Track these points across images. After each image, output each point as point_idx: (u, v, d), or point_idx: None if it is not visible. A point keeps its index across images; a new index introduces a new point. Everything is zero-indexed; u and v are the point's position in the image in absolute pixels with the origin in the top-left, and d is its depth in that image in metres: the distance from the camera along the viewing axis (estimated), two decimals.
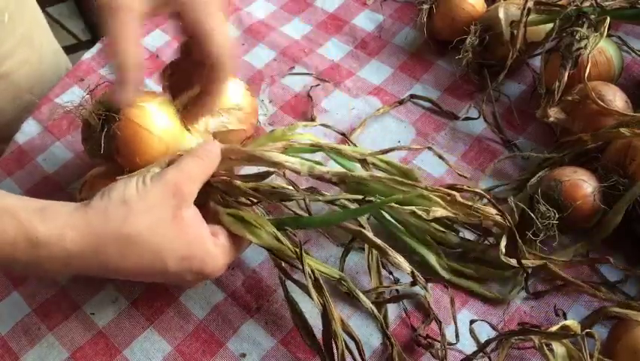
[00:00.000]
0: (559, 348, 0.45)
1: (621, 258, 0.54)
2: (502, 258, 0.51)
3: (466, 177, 0.57)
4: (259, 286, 0.56)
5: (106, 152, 0.50)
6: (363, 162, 0.54)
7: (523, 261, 0.51)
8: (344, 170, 0.52)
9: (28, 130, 0.70)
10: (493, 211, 0.50)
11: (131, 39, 0.46)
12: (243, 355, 0.52)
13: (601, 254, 0.54)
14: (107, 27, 0.46)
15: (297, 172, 0.50)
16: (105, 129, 0.49)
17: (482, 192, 0.51)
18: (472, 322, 0.50)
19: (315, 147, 0.53)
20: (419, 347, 0.51)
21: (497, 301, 0.53)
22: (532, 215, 0.52)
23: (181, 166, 0.49)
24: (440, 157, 0.55)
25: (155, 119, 0.50)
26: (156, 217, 0.46)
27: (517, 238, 0.50)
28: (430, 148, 0.55)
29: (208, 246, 0.48)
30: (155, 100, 0.51)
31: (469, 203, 0.50)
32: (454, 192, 0.50)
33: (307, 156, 0.55)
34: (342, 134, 0.61)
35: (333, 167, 0.53)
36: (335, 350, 0.48)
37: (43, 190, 0.64)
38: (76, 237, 0.44)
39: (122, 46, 0.46)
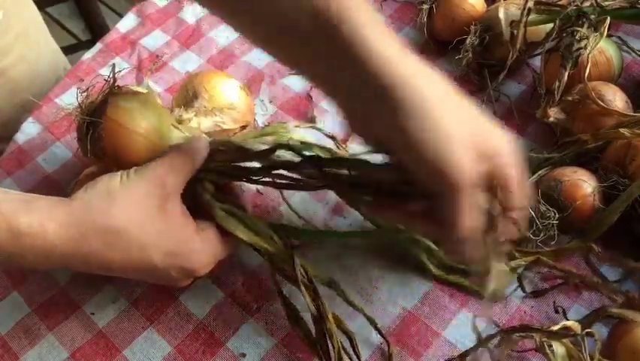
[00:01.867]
0: (559, 348, 0.45)
1: (622, 258, 0.54)
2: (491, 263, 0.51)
3: None
4: (259, 286, 0.56)
5: (93, 153, 0.50)
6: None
7: (513, 262, 0.52)
8: (332, 169, 0.52)
9: (28, 130, 0.70)
10: None
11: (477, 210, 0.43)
12: (243, 355, 0.52)
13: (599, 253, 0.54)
14: (461, 204, 0.41)
15: (286, 168, 0.50)
16: (91, 132, 0.49)
17: None
18: (474, 316, 0.50)
19: (306, 146, 0.53)
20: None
21: (467, 290, 0.53)
22: (534, 215, 0.52)
23: (165, 159, 0.49)
24: None
25: (139, 118, 0.50)
26: (140, 210, 0.46)
27: (514, 243, 0.50)
28: None
29: (194, 241, 0.48)
30: (138, 98, 0.51)
31: None
32: None
33: None
34: (333, 137, 0.60)
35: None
36: (332, 350, 0.48)
37: (43, 190, 0.64)
38: (58, 228, 0.44)
39: (473, 220, 0.42)
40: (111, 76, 0.51)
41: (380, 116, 0.41)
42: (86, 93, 0.51)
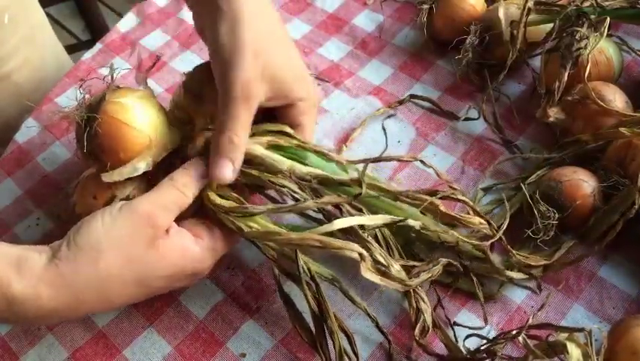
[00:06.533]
0: (574, 349, 0.43)
1: (622, 258, 0.54)
2: (506, 272, 0.51)
3: (455, 189, 0.54)
4: (259, 286, 0.56)
5: (91, 151, 0.50)
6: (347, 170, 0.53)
7: (515, 274, 0.52)
8: (325, 173, 0.51)
9: (28, 130, 0.70)
10: (477, 220, 0.50)
11: (248, 127, 0.49)
12: (243, 355, 0.52)
13: (600, 254, 0.54)
14: (234, 112, 0.48)
15: (278, 169, 0.50)
16: (88, 129, 0.49)
17: (465, 198, 0.50)
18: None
19: (300, 148, 0.53)
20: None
21: (486, 297, 0.52)
22: (534, 215, 0.52)
23: (156, 195, 0.47)
24: (429, 166, 0.54)
25: (134, 113, 0.50)
26: (130, 251, 0.45)
27: (508, 247, 0.50)
28: (419, 160, 0.53)
29: (194, 253, 0.47)
30: (134, 94, 0.51)
31: (452, 213, 0.49)
32: (435, 200, 0.49)
33: None
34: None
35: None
36: (333, 347, 0.48)
37: (43, 190, 0.64)
38: (51, 293, 0.43)
39: (240, 130, 0.48)
40: (109, 74, 0.51)
41: (206, 16, 0.50)
42: (83, 92, 0.51)
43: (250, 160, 0.51)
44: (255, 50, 0.48)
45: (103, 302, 0.46)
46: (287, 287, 0.52)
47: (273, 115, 0.54)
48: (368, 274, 0.46)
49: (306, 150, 0.52)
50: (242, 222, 0.49)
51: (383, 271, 0.46)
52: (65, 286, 0.43)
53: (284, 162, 0.50)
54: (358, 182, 0.49)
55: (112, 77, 0.51)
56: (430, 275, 0.48)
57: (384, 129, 0.65)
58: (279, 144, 0.52)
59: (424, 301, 0.49)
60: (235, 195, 0.51)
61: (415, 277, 0.48)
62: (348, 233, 0.48)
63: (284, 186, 0.49)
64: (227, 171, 0.48)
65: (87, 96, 0.51)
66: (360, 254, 0.46)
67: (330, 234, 0.48)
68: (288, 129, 0.53)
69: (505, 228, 0.50)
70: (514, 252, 0.51)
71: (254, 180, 0.51)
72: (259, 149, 0.51)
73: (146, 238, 0.45)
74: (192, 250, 0.47)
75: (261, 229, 0.49)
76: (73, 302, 0.44)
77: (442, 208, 0.49)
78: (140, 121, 0.50)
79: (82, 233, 0.45)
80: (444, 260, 0.50)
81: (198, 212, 0.51)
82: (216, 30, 0.49)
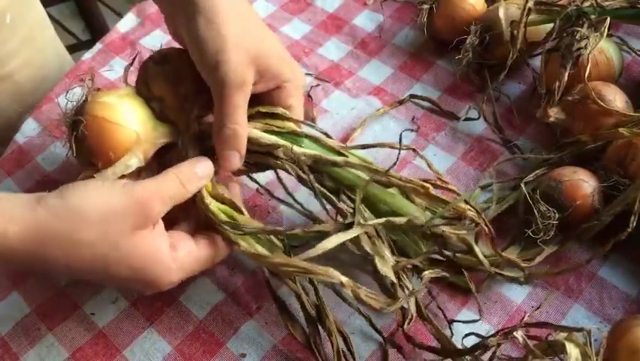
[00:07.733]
0: (572, 349, 0.43)
1: (622, 258, 0.54)
2: (491, 267, 0.51)
3: (453, 188, 0.54)
4: (259, 287, 0.56)
5: (81, 155, 0.50)
6: (341, 155, 0.54)
7: (508, 273, 0.52)
8: (318, 152, 0.51)
9: (28, 130, 0.70)
10: (465, 206, 0.50)
11: (246, 113, 0.50)
12: (243, 355, 0.52)
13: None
14: (233, 101, 0.49)
15: (275, 149, 0.51)
16: (75, 133, 0.49)
17: (454, 188, 0.51)
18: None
19: (295, 134, 0.53)
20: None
21: (467, 290, 0.53)
22: (534, 214, 0.52)
23: (157, 184, 0.47)
24: (422, 157, 0.54)
25: (118, 110, 0.50)
26: (112, 227, 0.44)
27: (492, 242, 0.51)
28: (414, 150, 0.54)
29: (164, 261, 0.46)
30: (116, 93, 0.52)
31: (440, 196, 0.50)
32: (427, 185, 0.50)
33: None
34: (327, 135, 0.57)
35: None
36: (331, 348, 0.48)
37: (42, 189, 0.63)
38: (19, 232, 0.42)
39: (241, 118, 0.50)
40: (89, 78, 0.52)
41: (180, 15, 0.51)
42: (68, 99, 0.51)
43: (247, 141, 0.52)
44: (236, 37, 0.49)
45: (64, 264, 0.44)
46: (280, 287, 0.52)
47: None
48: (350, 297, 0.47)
49: (299, 136, 0.53)
50: (232, 235, 0.49)
51: (360, 297, 0.46)
52: (36, 228, 0.43)
53: (280, 143, 0.51)
54: (351, 165, 0.51)
55: (92, 80, 0.52)
56: (410, 294, 0.48)
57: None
58: (273, 130, 0.53)
59: (408, 289, 0.49)
60: (229, 198, 0.51)
61: (402, 273, 0.49)
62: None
63: (283, 167, 0.51)
64: (236, 161, 0.51)
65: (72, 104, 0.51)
66: (342, 282, 0.46)
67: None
68: (280, 110, 0.54)
69: (492, 217, 0.51)
70: (498, 251, 0.51)
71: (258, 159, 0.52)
72: (254, 131, 0.52)
73: (133, 224, 0.45)
74: (164, 257, 0.46)
75: (249, 248, 0.48)
76: (37, 248, 0.43)
77: (432, 191, 0.50)
78: (125, 117, 0.50)
79: (75, 192, 0.45)
80: (430, 250, 0.51)
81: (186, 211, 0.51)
82: (194, 25, 0.49)
